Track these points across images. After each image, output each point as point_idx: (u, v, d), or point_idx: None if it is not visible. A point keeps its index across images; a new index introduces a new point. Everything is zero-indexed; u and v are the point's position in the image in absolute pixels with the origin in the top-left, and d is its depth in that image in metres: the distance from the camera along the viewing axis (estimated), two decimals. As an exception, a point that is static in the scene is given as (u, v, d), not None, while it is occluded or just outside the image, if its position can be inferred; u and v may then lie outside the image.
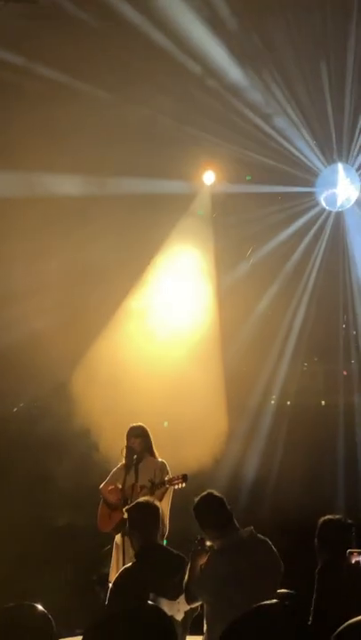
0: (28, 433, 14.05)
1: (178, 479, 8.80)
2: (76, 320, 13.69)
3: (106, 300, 14.41)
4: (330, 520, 6.20)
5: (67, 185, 14.12)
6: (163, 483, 8.86)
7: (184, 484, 8.68)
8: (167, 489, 8.86)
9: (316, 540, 6.14)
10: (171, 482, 8.83)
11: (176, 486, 8.78)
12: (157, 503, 6.44)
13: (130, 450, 9.29)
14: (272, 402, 17.24)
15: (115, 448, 9.79)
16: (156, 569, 6.00)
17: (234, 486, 13.34)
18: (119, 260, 14.30)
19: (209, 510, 5.96)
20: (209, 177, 16.36)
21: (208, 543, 5.91)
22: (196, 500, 6.06)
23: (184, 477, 8.77)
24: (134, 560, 6.24)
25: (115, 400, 12.88)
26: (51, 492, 12.47)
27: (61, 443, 13.09)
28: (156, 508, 6.32)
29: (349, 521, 6.21)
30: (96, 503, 9.24)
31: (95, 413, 13.00)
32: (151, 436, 9.42)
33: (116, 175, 14.72)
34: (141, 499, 6.66)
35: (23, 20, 12.63)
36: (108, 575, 9.02)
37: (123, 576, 6.11)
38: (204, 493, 6.09)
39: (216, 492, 6.10)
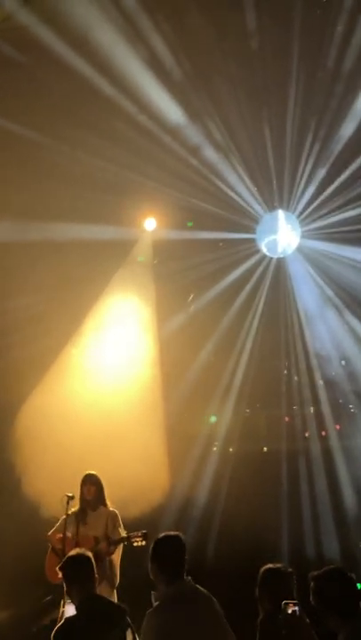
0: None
1: (137, 537, 8.66)
2: (13, 370, 13.47)
3: (44, 349, 14.18)
4: (270, 569, 6.07)
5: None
6: (122, 539, 8.75)
7: (144, 542, 8.51)
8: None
9: (257, 589, 6.00)
10: (129, 539, 8.70)
11: (135, 544, 8.64)
12: (88, 553, 6.22)
13: (83, 498, 9.16)
14: (214, 448, 17.12)
15: (52, 497, 9.61)
16: (97, 620, 5.81)
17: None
18: (57, 308, 14.13)
19: (171, 551, 5.56)
20: (150, 223, 16.38)
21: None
22: (161, 536, 5.64)
23: (144, 535, 8.62)
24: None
25: (53, 450, 12.71)
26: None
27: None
28: (88, 559, 6.11)
29: (290, 569, 6.07)
30: (39, 552, 9.02)
31: (34, 464, 12.80)
32: (104, 486, 9.31)
33: (54, 221, 14.52)
34: (72, 552, 6.43)
35: None
36: (48, 626, 8.80)
37: (64, 628, 5.91)
38: (172, 533, 5.68)
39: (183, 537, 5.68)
